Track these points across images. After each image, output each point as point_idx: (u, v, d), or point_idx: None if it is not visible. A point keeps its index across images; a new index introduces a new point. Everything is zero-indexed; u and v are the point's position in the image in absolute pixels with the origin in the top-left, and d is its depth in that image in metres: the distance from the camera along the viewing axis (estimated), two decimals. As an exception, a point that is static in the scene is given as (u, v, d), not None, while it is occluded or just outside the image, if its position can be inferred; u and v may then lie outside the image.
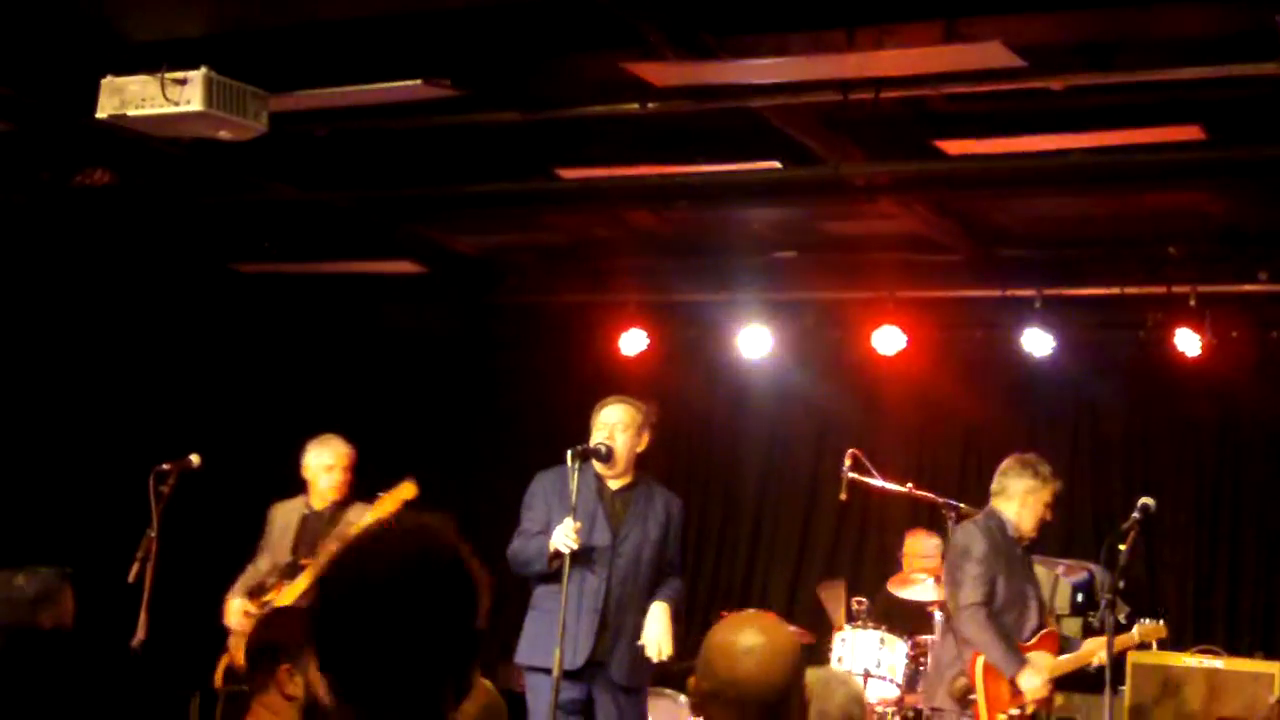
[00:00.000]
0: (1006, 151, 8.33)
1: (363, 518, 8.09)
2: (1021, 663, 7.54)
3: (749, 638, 3.55)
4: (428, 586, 2.58)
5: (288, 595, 8.18)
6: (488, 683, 4.20)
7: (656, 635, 7.27)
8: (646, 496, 7.50)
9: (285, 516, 8.63)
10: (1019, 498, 7.72)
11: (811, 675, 4.79)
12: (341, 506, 8.43)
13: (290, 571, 8.35)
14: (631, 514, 7.41)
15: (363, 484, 8.56)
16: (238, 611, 8.27)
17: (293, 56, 7.50)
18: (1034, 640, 7.70)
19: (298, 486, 8.68)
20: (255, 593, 8.38)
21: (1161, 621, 7.76)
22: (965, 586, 7.59)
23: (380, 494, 8.30)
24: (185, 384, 11.31)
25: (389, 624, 2.54)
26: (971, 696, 7.53)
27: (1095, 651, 7.57)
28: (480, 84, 7.65)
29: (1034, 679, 7.52)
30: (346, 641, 2.56)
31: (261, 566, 8.55)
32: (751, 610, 3.88)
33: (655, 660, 7.30)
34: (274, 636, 4.64)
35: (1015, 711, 7.63)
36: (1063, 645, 7.82)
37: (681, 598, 7.80)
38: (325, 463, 8.52)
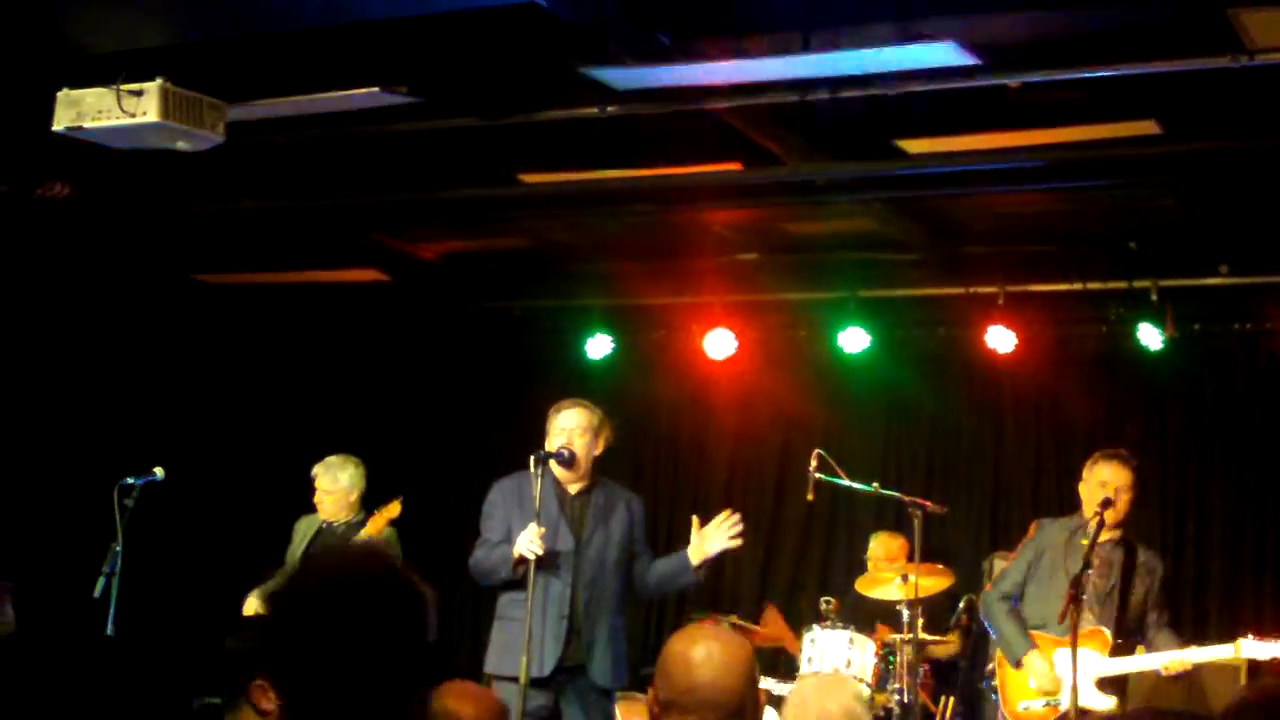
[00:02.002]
0: (965, 149, 8.36)
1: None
2: (1024, 650, 7.73)
3: (703, 647, 3.65)
4: (372, 603, 2.61)
5: None
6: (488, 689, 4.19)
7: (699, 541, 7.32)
8: (606, 498, 7.49)
9: (306, 527, 8.86)
10: (1082, 486, 7.95)
11: (811, 679, 4.82)
12: (357, 523, 8.56)
13: None
14: (593, 517, 7.41)
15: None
16: (250, 611, 8.33)
17: (250, 66, 7.48)
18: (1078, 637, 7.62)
19: (260, 497, 8.73)
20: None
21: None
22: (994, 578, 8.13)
23: (373, 512, 8.45)
24: (149, 396, 11.28)
25: (337, 642, 2.58)
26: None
27: (1160, 658, 7.63)
28: (438, 90, 7.64)
29: (1038, 665, 7.67)
30: (299, 662, 2.58)
31: (286, 574, 8.64)
32: (705, 623, 3.98)
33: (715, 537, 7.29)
34: (243, 647, 4.62)
35: (1038, 705, 7.66)
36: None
37: None
38: (320, 486, 8.74)
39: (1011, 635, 7.87)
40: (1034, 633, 7.82)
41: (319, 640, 2.57)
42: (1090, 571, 7.60)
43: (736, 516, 7.34)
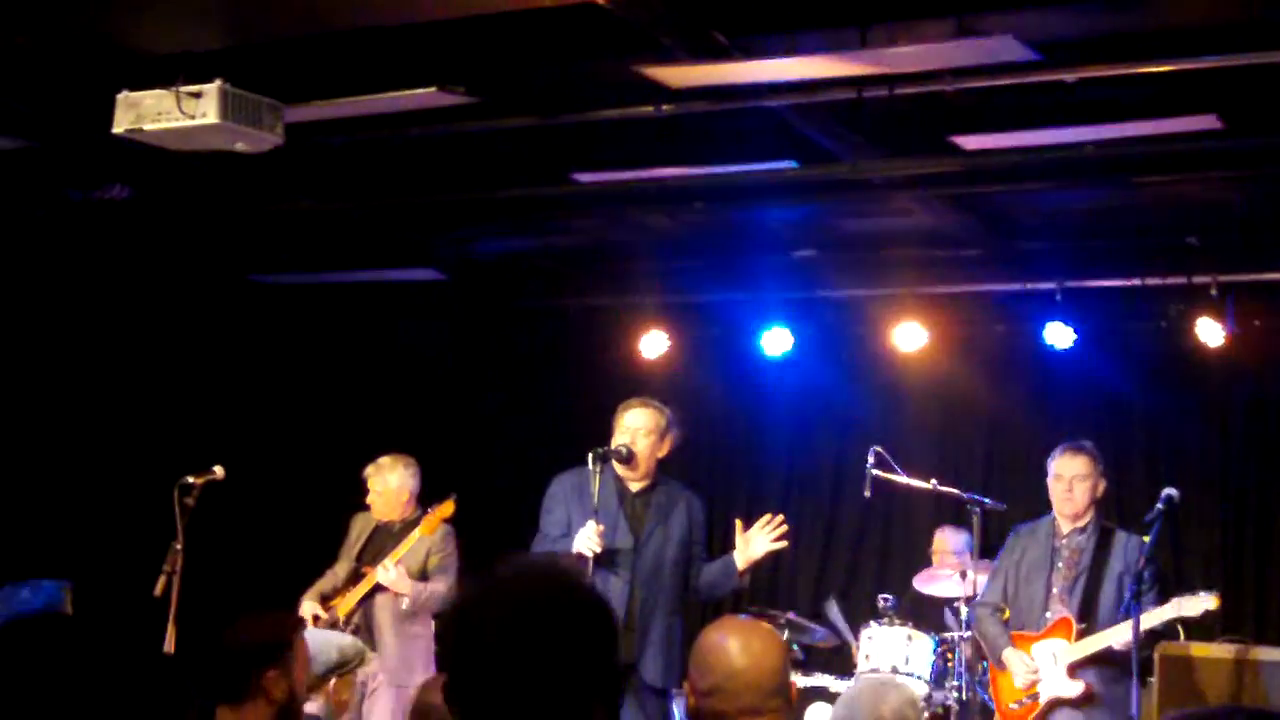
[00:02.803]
0: (1023, 145, 8.32)
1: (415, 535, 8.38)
2: (1002, 648, 7.91)
3: (738, 634, 3.75)
4: (564, 622, 2.59)
5: (349, 601, 8.49)
6: None
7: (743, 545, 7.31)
8: (667, 498, 7.48)
9: (361, 526, 8.89)
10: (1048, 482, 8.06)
11: (868, 680, 4.83)
12: (411, 523, 8.58)
13: (353, 578, 8.64)
14: (652, 516, 7.40)
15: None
16: (307, 615, 8.37)
17: (307, 67, 7.53)
18: (1046, 628, 7.78)
19: (319, 496, 8.76)
20: (325, 597, 8.66)
21: (1211, 593, 7.68)
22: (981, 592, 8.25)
23: (427, 510, 8.47)
24: (207, 396, 11.34)
25: (527, 663, 2.55)
26: None
27: (1113, 635, 7.58)
28: (495, 90, 7.66)
29: (1014, 660, 7.80)
30: (488, 683, 2.56)
31: (339, 572, 8.81)
32: (733, 617, 4.03)
33: (759, 541, 7.28)
34: (253, 640, 4.63)
35: (1025, 701, 7.76)
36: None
37: None
38: (372, 488, 8.77)
39: (991, 637, 8.05)
40: (1014, 633, 7.96)
41: (506, 658, 2.55)
42: (1060, 565, 7.85)
43: (779, 519, 7.33)
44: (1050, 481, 8.03)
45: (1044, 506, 8.55)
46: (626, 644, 7.19)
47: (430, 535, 8.47)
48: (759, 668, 3.66)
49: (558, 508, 7.43)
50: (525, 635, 2.56)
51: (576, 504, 7.32)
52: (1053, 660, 7.75)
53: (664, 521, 7.41)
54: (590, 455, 7.23)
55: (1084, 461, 7.94)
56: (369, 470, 8.77)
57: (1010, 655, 7.86)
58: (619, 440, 7.39)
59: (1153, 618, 7.52)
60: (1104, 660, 7.65)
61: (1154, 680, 8.70)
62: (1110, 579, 7.76)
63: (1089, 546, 7.89)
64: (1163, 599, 7.68)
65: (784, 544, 7.40)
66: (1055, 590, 7.86)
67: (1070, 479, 7.93)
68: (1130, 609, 7.32)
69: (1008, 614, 8.08)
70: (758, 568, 7.60)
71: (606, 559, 7.18)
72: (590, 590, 2.73)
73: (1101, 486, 8.01)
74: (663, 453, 7.48)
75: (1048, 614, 7.84)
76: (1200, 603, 7.57)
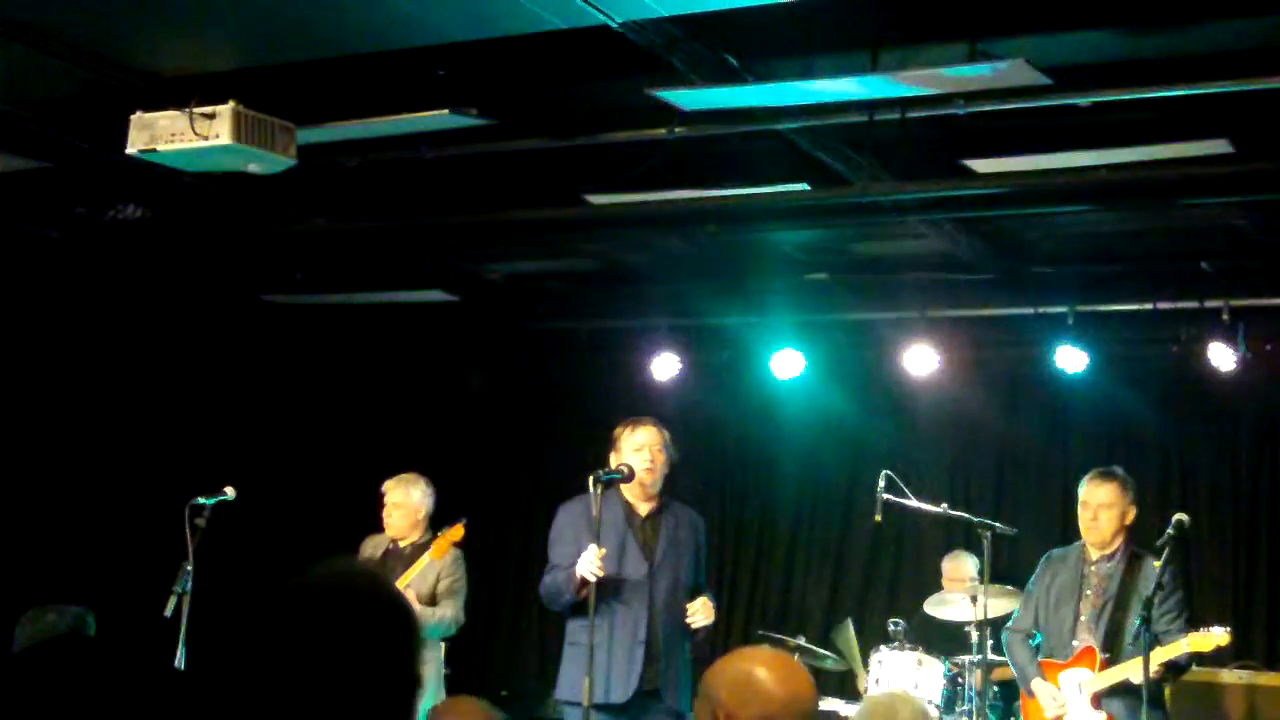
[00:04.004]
0: (1034, 169, 8.32)
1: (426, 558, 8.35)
2: (1030, 677, 7.94)
3: (776, 664, 3.66)
4: (348, 626, 2.56)
5: None
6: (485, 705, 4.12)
7: (698, 603, 7.25)
8: (675, 520, 7.44)
9: (372, 548, 8.85)
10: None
11: (872, 699, 4.81)
12: (422, 546, 8.56)
13: None
14: (664, 539, 7.35)
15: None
16: None
17: (321, 89, 7.54)
18: (1072, 657, 7.77)
19: (330, 517, 8.75)
20: None
21: (1225, 629, 7.62)
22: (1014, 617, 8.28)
23: (437, 534, 8.45)
24: (219, 416, 11.36)
25: (314, 667, 2.52)
26: None
27: (1133, 667, 7.54)
28: (508, 112, 7.68)
29: (1042, 691, 7.82)
30: (275, 685, 2.54)
31: None
32: (743, 648, 3.96)
33: (691, 621, 7.22)
34: None
35: None
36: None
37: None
38: (391, 500, 8.74)
39: (1021, 665, 8.10)
40: (1043, 660, 7.95)
41: (302, 657, 2.52)
42: (1089, 593, 7.81)
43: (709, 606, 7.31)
44: (1079, 508, 8.00)
45: (1054, 531, 8.58)
46: (651, 673, 7.16)
47: (439, 559, 8.44)
48: (805, 695, 3.62)
49: (565, 536, 7.36)
50: (311, 639, 2.54)
51: (586, 531, 7.23)
52: (1078, 690, 7.71)
53: (674, 546, 7.36)
54: (591, 479, 7.18)
55: (1110, 490, 7.90)
56: (389, 484, 8.76)
57: (1039, 686, 7.85)
58: (633, 459, 7.33)
59: (1167, 652, 7.48)
60: (1127, 690, 7.61)
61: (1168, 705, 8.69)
62: (1137, 607, 7.63)
63: (1117, 574, 7.86)
64: (1189, 627, 7.64)
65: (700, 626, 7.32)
66: (1083, 618, 7.83)
67: (1096, 507, 7.90)
68: (1154, 638, 7.31)
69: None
70: (768, 591, 7.58)
71: (620, 588, 7.14)
72: (386, 596, 2.66)
73: (1132, 514, 7.96)
74: (667, 470, 7.46)
75: (1075, 642, 7.81)
76: (1213, 639, 7.51)
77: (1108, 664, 7.67)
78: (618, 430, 7.46)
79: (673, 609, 7.28)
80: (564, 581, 7.19)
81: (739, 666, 3.69)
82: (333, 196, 9.57)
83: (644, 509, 7.40)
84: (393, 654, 2.58)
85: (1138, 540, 8.06)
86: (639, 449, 7.34)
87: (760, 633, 10.25)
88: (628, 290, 11.62)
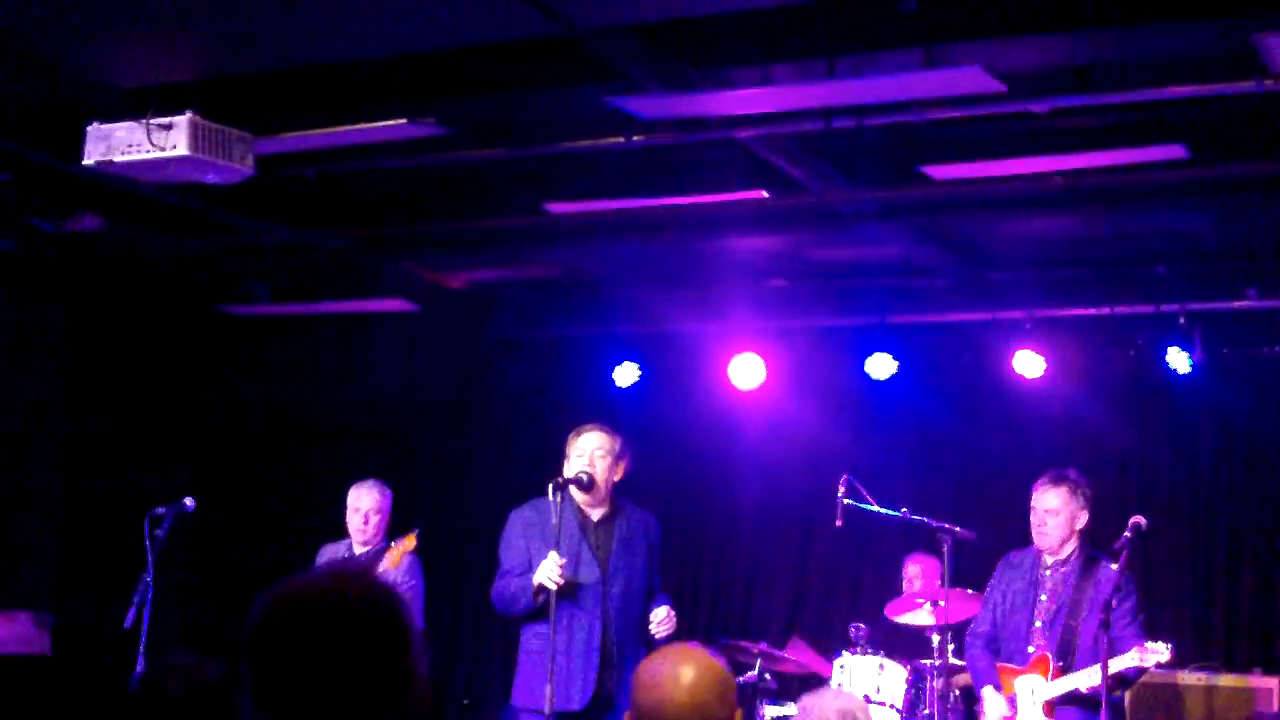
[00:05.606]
0: (991, 175, 8.36)
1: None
2: (982, 685, 7.95)
3: (676, 666, 3.72)
4: (350, 629, 2.60)
5: None
6: None
7: (662, 613, 7.22)
8: (627, 524, 7.38)
9: (329, 556, 8.84)
10: None
11: (808, 696, 4.81)
12: (378, 552, 8.54)
13: None
14: (617, 545, 7.31)
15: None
16: None
17: (279, 99, 7.53)
18: (1028, 664, 7.77)
19: (288, 527, 8.73)
20: None
21: (1167, 646, 7.63)
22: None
23: (391, 544, 8.43)
24: (177, 427, 11.32)
25: (318, 666, 2.57)
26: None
27: (1083, 677, 7.56)
28: (466, 122, 7.68)
29: (989, 699, 7.83)
30: (280, 684, 2.57)
31: None
32: (679, 644, 3.96)
33: (655, 632, 7.19)
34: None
35: None
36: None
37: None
38: (352, 505, 8.77)
39: (976, 671, 8.09)
40: (1001, 665, 7.93)
41: (305, 669, 2.56)
42: (1044, 597, 7.81)
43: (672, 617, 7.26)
44: (1031, 514, 8.00)
45: (1015, 535, 8.59)
46: (607, 679, 7.14)
47: (394, 569, 8.42)
48: (687, 704, 3.63)
49: (517, 542, 7.31)
50: (310, 640, 2.58)
51: (537, 537, 7.20)
52: (1030, 696, 7.71)
53: (629, 550, 7.32)
54: (550, 486, 7.16)
55: (1057, 495, 7.85)
56: (353, 490, 8.77)
57: (987, 693, 7.86)
58: (575, 464, 7.28)
59: (1117, 663, 7.46)
60: (1081, 698, 7.61)
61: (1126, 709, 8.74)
62: (1093, 611, 7.64)
63: (1071, 578, 7.84)
64: (1144, 632, 7.64)
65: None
66: (1038, 624, 7.81)
67: (1044, 512, 7.87)
68: (1112, 644, 7.32)
69: None
70: (729, 597, 7.57)
71: (574, 594, 7.10)
72: (378, 596, 2.69)
73: (1083, 518, 7.89)
74: (618, 476, 7.37)
75: (1030, 648, 7.81)
76: (1153, 655, 7.50)
77: (1062, 671, 7.67)
78: (569, 437, 7.45)
79: (627, 614, 7.26)
80: (518, 589, 7.15)
81: (649, 663, 3.81)
82: (291, 206, 9.55)
83: (596, 514, 7.36)
84: (392, 654, 2.62)
85: (1094, 543, 8.07)
86: (581, 455, 7.30)
87: (724, 640, 10.23)
88: (587, 298, 11.62)
